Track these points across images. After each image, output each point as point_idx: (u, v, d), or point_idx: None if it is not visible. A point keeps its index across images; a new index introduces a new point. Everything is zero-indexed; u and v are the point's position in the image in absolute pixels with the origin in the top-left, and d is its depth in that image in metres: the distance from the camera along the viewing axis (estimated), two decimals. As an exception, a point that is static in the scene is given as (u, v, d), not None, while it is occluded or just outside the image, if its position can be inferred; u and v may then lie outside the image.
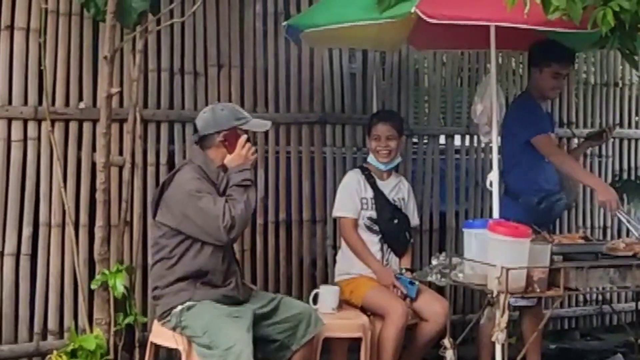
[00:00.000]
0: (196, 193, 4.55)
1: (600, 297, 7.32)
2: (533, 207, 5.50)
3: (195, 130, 4.79)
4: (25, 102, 5.31)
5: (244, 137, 4.73)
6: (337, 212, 5.68)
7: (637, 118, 7.83)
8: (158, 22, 5.45)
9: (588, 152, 7.40)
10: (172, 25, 5.61)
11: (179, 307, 4.59)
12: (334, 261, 5.88)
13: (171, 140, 5.77)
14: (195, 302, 4.57)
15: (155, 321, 4.82)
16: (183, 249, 4.62)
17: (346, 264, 5.63)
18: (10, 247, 5.27)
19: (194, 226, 4.57)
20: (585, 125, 7.38)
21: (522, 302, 5.45)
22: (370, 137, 5.68)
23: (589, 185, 5.92)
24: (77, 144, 5.45)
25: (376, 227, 5.60)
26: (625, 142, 7.68)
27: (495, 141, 5.07)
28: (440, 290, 5.60)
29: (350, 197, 5.60)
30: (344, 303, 5.47)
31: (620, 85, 7.69)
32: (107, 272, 5.17)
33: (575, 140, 7.32)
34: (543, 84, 5.70)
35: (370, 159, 5.69)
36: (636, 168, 7.69)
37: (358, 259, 5.55)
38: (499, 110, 5.20)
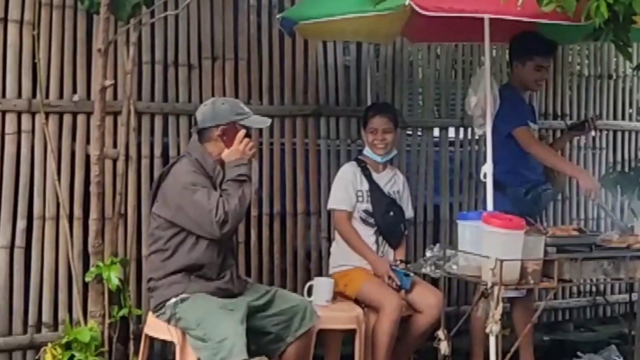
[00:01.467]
0: (191, 186, 4.55)
1: (593, 289, 7.34)
2: (520, 199, 5.51)
3: (195, 123, 4.79)
4: (19, 95, 5.30)
5: (242, 132, 4.72)
6: (331, 205, 5.68)
7: (630, 110, 7.84)
8: (152, 15, 5.44)
9: (582, 144, 7.44)
10: (166, 18, 5.60)
11: (173, 300, 4.58)
12: (329, 253, 5.89)
13: (165, 133, 5.77)
14: (189, 294, 4.57)
15: (150, 313, 4.82)
16: (178, 241, 4.62)
17: (341, 256, 5.63)
18: (4, 240, 5.26)
19: (188, 219, 4.57)
20: (578, 118, 7.39)
21: (512, 293, 5.45)
22: (366, 130, 5.68)
23: (571, 175, 5.92)
24: (71, 137, 5.45)
25: (371, 220, 5.60)
26: (619, 134, 7.70)
27: (489, 133, 5.08)
28: (434, 282, 5.60)
29: (346, 190, 5.60)
30: (338, 295, 5.48)
31: (614, 77, 7.70)
32: (101, 264, 5.16)
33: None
34: (526, 77, 5.71)
35: (367, 151, 5.69)
36: (630, 160, 7.71)
37: (353, 251, 5.55)
38: (493, 103, 5.21)
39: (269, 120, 5.01)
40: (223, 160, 4.72)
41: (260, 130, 5.99)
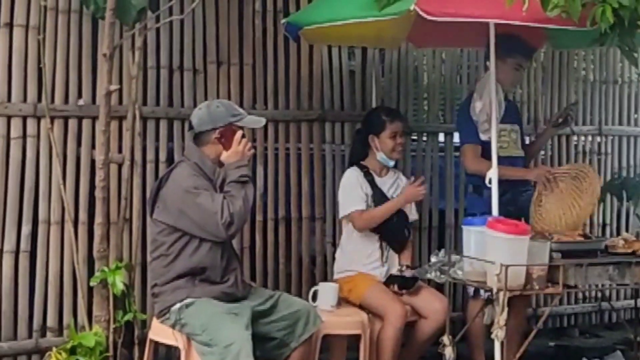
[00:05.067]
0: (194, 190, 4.55)
1: (599, 295, 7.33)
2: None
3: (191, 127, 4.79)
4: (25, 100, 5.30)
5: (239, 133, 4.73)
6: (347, 210, 5.57)
7: (636, 115, 7.83)
8: (157, 20, 5.45)
9: (587, 149, 7.42)
10: (171, 23, 5.61)
11: (178, 305, 4.59)
12: (333, 258, 5.88)
13: (170, 138, 5.77)
14: (194, 299, 4.57)
15: (154, 318, 4.82)
16: (181, 246, 4.62)
17: (345, 261, 5.62)
18: (9, 244, 5.27)
19: (191, 223, 4.57)
20: (584, 123, 7.39)
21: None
22: (382, 134, 5.62)
23: (518, 178, 5.80)
24: (76, 141, 5.45)
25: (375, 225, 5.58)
26: (625, 140, 7.68)
27: (495, 138, 5.07)
28: (439, 287, 5.61)
29: (357, 191, 5.56)
30: (343, 300, 5.47)
31: (620, 82, 7.68)
32: (106, 269, 5.17)
33: (575, 138, 7.33)
34: (504, 76, 5.63)
35: (380, 156, 5.65)
36: (635, 165, 7.69)
37: (382, 218, 5.52)
38: (498, 108, 5.21)
39: (264, 120, 5.01)
40: (221, 162, 4.72)
41: (266, 135, 6.01)
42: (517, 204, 5.61)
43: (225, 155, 4.71)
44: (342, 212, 5.63)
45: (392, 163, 5.68)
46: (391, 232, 5.61)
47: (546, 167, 5.67)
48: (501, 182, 5.34)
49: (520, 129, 5.97)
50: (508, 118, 5.76)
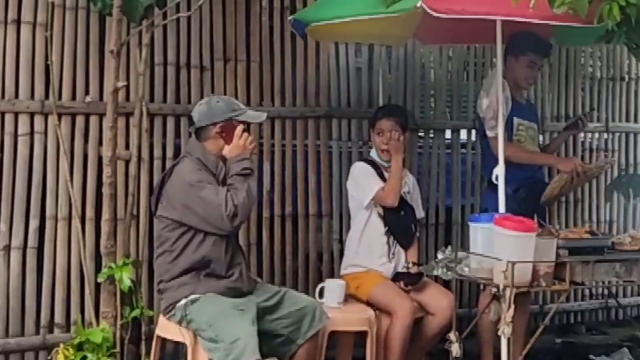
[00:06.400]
0: (197, 183, 4.58)
1: (606, 292, 7.32)
2: (510, 196, 5.36)
3: (192, 123, 4.81)
4: (32, 96, 5.32)
5: (240, 127, 4.75)
6: (372, 191, 5.50)
7: (643, 112, 7.82)
8: (164, 16, 5.46)
9: (594, 146, 7.42)
10: (178, 19, 5.61)
11: (183, 301, 4.60)
12: (340, 255, 5.88)
13: (177, 134, 5.78)
14: (199, 295, 4.58)
15: (161, 315, 4.82)
16: (185, 241, 4.64)
17: (352, 258, 5.62)
18: (17, 240, 5.28)
19: (196, 217, 4.58)
20: (591, 120, 7.36)
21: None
22: (373, 131, 5.67)
23: (548, 165, 6.15)
24: (83, 138, 5.46)
25: (383, 219, 5.58)
26: (632, 137, 7.67)
27: (502, 135, 5.07)
28: (446, 284, 5.61)
29: (373, 175, 5.56)
30: (350, 297, 5.47)
31: (627, 79, 7.67)
32: (113, 265, 5.18)
33: (582, 135, 7.31)
34: (518, 73, 5.74)
35: (373, 153, 5.68)
36: (643, 162, 7.70)
37: (400, 181, 5.52)
38: (505, 105, 5.20)
39: (264, 115, 5.04)
40: (224, 157, 4.74)
41: (272, 131, 6.02)
42: (531, 201, 5.61)
43: (227, 150, 4.74)
44: (367, 197, 5.53)
45: (385, 163, 5.62)
46: (399, 227, 5.60)
47: (578, 160, 5.70)
48: (516, 179, 5.38)
49: (538, 129, 6.00)
50: (526, 116, 5.82)
